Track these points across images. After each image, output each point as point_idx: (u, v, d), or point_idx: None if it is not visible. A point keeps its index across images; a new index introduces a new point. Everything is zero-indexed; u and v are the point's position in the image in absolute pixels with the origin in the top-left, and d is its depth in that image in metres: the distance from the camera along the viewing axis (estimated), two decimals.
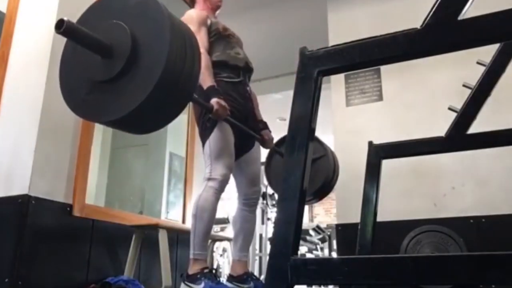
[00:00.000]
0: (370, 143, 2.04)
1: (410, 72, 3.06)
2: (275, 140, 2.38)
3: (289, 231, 0.85)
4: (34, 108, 2.14)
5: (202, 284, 1.82)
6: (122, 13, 1.21)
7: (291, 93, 0.97)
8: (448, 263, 0.71)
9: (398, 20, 2.80)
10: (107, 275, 2.30)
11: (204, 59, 1.98)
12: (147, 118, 1.26)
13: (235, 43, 2.26)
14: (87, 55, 1.20)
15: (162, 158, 4.00)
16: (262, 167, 2.62)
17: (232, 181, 2.13)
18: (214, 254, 4.81)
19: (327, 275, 0.81)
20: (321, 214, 11.16)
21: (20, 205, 1.99)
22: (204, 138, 2.05)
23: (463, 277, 0.69)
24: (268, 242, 5.56)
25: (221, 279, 2.13)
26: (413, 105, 3.04)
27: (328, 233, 7.15)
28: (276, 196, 5.04)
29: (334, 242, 6.24)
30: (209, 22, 2.19)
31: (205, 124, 2.04)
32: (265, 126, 2.33)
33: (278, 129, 2.53)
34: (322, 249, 7.17)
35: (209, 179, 1.97)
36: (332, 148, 3.14)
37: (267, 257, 1.38)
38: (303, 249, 6.62)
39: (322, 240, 7.07)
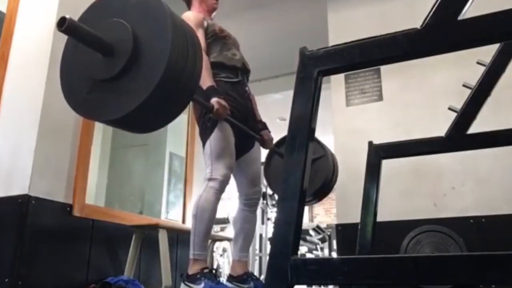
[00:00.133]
0: (370, 143, 2.04)
1: (410, 72, 3.06)
2: (274, 141, 2.38)
3: (289, 231, 0.85)
4: (34, 108, 2.14)
5: (202, 284, 1.82)
6: (123, 12, 1.20)
7: (291, 93, 0.97)
8: (448, 263, 0.71)
9: (398, 20, 2.80)
10: (107, 275, 2.30)
11: (203, 60, 1.98)
12: (148, 117, 1.25)
13: (232, 44, 2.26)
14: (88, 53, 1.20)
15: (162, 158, 4.00)
16: (262, 167, 2.62)
17: (232, 181, 2.13)
18: (214, 254, 4.81)
19: (327, 275, 0.81)
20: (321, 214, 11.16)
21: (20, 205, 1.99)
22: (204, 138, 2.05)
23: (463, 277, 0.69)
24: (268, 242, 5.56)
25: (221, 279, 2.13)
26: (413, 105, 3.04)
27: (328, 233, 7.15)
28: (276, 196, 5.04)
29: (334, 242, 6.24)
30: (205, 24, 2.20)
31: (206, 124, 2.04)
32: (264, 126, 2.33)
33: (278, 129, 2.53)
34: (322, 249, 7.16)
35: (209, 179, 1.97)
36: (332, 148, 3.14)
37: (267, 257, 1.38)
38: (303, 249, 6.62)
39: (322, 240, 7.07)
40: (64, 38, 1.27)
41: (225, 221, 6.55)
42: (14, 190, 2.05)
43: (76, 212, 2.22)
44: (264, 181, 2.95)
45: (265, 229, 5.67)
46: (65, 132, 2.26)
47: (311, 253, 6.83)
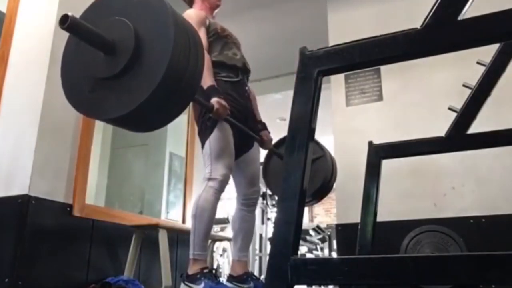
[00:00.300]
0: (370, 143, 2.04)
1: (410, 72, 3.06)
2: (274, 141, 2.38)
3: (289, 231, 0.85)
4: (34, 108, 2.14)
5: (202, 284, 1.81)
6: (125, 10, 1.20)
7: (291, 93, 0.97)
8: (448, 263, 0.71)
9: (398, 20, 2.81)
10: (107, 275, 2.30)
11: (206, 58, 1.98)
12: (149, 116, 1.25)
13: (233, 44, 2.26)
14: (89, 51, 1.19)
15: (162, 158, 4.00)
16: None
17: (231, 181, 2.13)
18: (214, 254, 4.81)
19: (327, 275, 0.81)
20: (321, 214, 11.16)
21: (20, 205, 1.99)
22: (204, 138, 2.05)
23: (463, 277, 0.69)
24: (268, 242, 5.56)
25: (221, 279, 2.13)
26: (413, 105, 3.04)
27: (328, 233, 7.15)
28: (275, 196, 5.04)
29: (334, 242, 6.24)
30: (207, 22, 2.19)
31: (205, 123, 2.04)
32: (264, 127, 2.33)
33: (278, 129, 2.54)
34: (322, 249, 7.16)
35: (209, 179, 1.97)
36: (332, 148, 3.15)
37: (267, 257, 1.38)
38: (303, 249, 6.62)
39: (322, 240, 7.07)
40: (64, 38, 1.26)
41: (225, 221, 6.54)
42: (14, 190, 2.05)
43: (76, 212, 2.22)
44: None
45: (265, 229, 5.67)
46: (65, 132, 2.26)
47: (311, 253, 6.83)
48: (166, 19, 1.15)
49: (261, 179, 2.47)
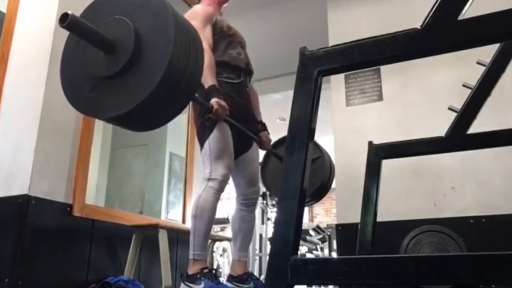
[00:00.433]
0: (370, 143, 2.04)
1: (410, 72, 3.06)
2: (272, 141, 2.39)
3: (289, 231, 0.85)
4: (34, 108, 2.14)
5: (202, 284, 1.81)
6: (125, 9, 1.20)
7: (291, 93, 0.97)
8: (448, 263, 0.71)
9: (398, 20, 2.80)
10: (107, 275, 2.30)
11: (208, 57, 1.96)
12: (148, 116, 1.25)
13: (238, 43, 2.24)
14: (89, 50, 1.19)
15: (162, 158, 4.00)
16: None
17: (230, 181, 2.13)
18: (214, 254, 4.81)
19: (327, 275, 0.81)
20: (321, 214, 11.16)
21: (20, 205, 1.98)
22: (203, 138, 2.04)
23: (463, 277, 0.69)
24: (268, 242, 5.56)
25: (221, 279, 2.13)
26: (413, 105, 3.04)
27: (328, 233, 7.15)
28: (273, 196, 5.04)
29: (334, 242, 6.24)
30: (214, 19, 2.16)
31: (205, 123, 2.03)
32: (264, 127, 2.32)
33: (278, 129, 2.54)
34: (322, 249, 7.17)
35: (209, 179, 1.97)
36: (332, 148, 3.15)
37: (267, 257, 1.38)
38: (303, 249, 6.62)
39: (322, 240, 7.07)
40: (64, 37, 1.26)
41: (225, 221, 6.54)
42: (14, 190, 2.05)
43: (76, 212, 2.22)
44: None
45: (265, 229, 5.67)
46: (65, 132, 2.26)
47: (311, 253, 6.83)
48: (166, 19, 1.15)
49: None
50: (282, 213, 0.89)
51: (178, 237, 2.96)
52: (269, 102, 5.39)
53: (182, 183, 3.56)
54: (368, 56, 0.91)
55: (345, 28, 3.40)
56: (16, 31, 2.38)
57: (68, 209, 2.19)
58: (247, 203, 2.19)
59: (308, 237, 6.59)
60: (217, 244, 5.05)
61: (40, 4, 2.37)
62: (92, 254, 2.29)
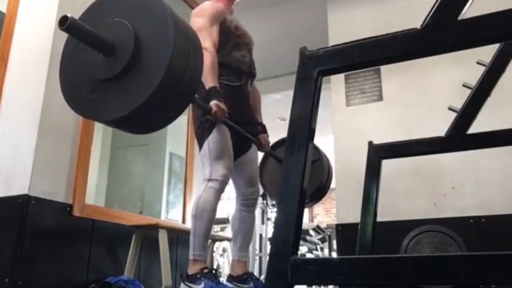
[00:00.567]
0: (370, 143, 2.04)
1: (410, 72, 3.06)
2: (271, 143, 2.39)
3: (289, 231, 0.85)
4: (34, 108, 2.14)
5: (202, 284, 1.81)
6: (124, 12, 1.20)
7: (291, 93, 0.97)
8: (448, 263, 0.71)
9: (398, 20, 2.80)
10: (107, 275, 2.30)
11: (211, 57, 1.94)
12: (148, 118, 1.25)
13: (244, 44, 2.20)
14: (88, 53, 1.19)
15: (162, 158, 4.00)
16: None
17: (230, 181, 2.13)
18: (214, 254, 4.81)
19: (327, 275, 0.81)
20: (321, 214, 11.16)
21: (20, 205, 1.98)
22: (202, 138, 2.03)
23: (463, 277, 0.69)
24: (268, 242, 5.56)
25: (221, 279, 2.13)
26: (413, 105, 3.04)
27: (328, 233, 7.15)
28: (271, 197, 5.04)
29: (334, 242, 6.24)
30: (223, 17, 2.12)
31: (204, 124, 2.02)
32: (263, 130, 2.31)
33: (278, 129, 2.54)
34: (322, 249, 7.17)
35: (209, 179, 1.96)
36: (332, 148, 3.15)
37: (267, 257, 1.38)
38: (303, 249, 6.62)
39: (322, 240, 7.07)
40: (64, 38, 1.26)
41: (225, 221, 6.54)
42: (14, 190, 2.05)
43: (76, 212, 2.22)
44: None
45: (265, 229, 5.67)
46: (65, 132, 2.26)
47: (311, 253, 6.83)
48: (166, 22, 1.14)
49: None
50: (282, 213, 0.89)
51: (178, 237, 2.96)
52: (269, 102, 5.39)
53: (182, 183, 3.56)
54: (368, 56, 0.91)
55: (345, 28, 3.40)
56: (16, 31, 2.38)
57: (68, 209, 2.19)
58: (247, 204, 2.19)
59: (308, 237, 6.59)
60: (217, 244, 5.06)
61: (40, 4, 2.37)
62: (92, 254, 2.29)
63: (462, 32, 0.83)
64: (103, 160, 4.09)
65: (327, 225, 8.21)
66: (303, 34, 4.17)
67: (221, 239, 3.74)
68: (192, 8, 2.38)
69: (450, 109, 1.91)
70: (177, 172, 3.90)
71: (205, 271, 1.88)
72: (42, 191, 2.06)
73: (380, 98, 3.17)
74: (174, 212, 3.74)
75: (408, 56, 0.91)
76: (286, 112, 1.16)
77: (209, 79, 1.93)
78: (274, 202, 5.73)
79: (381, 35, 0.89)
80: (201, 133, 2.04)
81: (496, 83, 1.78)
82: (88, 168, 2.37)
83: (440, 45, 0.86)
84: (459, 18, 0.83)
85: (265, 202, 5.63)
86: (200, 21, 2.06)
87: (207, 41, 1.98)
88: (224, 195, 2.05)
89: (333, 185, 2.79)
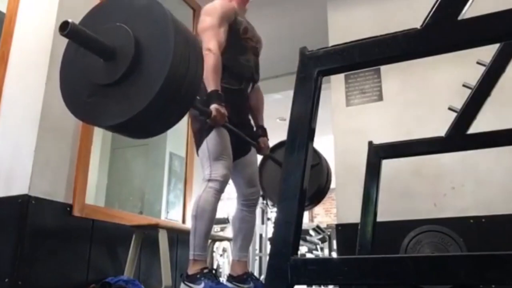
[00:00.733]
0: (370, 143, 2.04)
1: (410, 72, 3.06)
2: (271, 145, 2.39)
3: (289, 231, 0.85)
4: (34, 109, 2.14)
5: (202, 284, 1.81)
6: (125, 17, 1.19)
7: (291, 93, 0.97)
8: (448, 263, 0.71)
9: (398, 20, 2.80)
10: (107, 275, 2.30)
11: (214, 59, 1.93)
12: (148, 124, 1.24)
13: (251, 48, 2.17)
14: (89, 57, 1.19)
15: (162, 158, 3.99)
16: None
17: (230, 181, 2.13)
18: (214, 254, 4.81)
19: (327, 275, 0.81)
20: (321, 214, 11.16)
21: (20, 205, 1.99)
22: (201, 139, 2.02)
23: (463, 277, 0.69)
24: (268, 242, 5.56)
25: (221, 279, 2.13)
26: (413, 105, 3.04)
27: (328, 233, 7.15)
28: (270, 200, 5.04)
29: (334, 242, 6.24)
30: (233, 17, 2.08)
31: (203, 125, 2.02)
32: (263, 133, 2.30)
33: (278, 129, 2.54)
34: (322, 249, 7.17)
35: (209, 180, 1.96)
36: (332, 148, 3.15)
37: (267, 257, 1.38)
38: (303, 249, 6.62)
39: (322, 240, 7.07)
40: (64, 38, 1.26)
41: (225, 221, 6.54)
42: (14, 190, 2.05)
43: (76, 212, 2.22)
44: None
45: (265, 229, 5.67)
46: (65, 132, 2.26)
47: (311, 253, 6.83)
48: (167, 27, 1.14)
49: None
50: (282, 213, 0.89)
51: (178, 237, 2.96)
52: (269, 102, 5.34)
53: (182, 183, 3.56)
54: (368, 56, 0.91)
55: (345, 28, 3.40)
56: (16, 31, 2.38)
57: (68, 209, 2.19)
58: (247, 204, 2.19)
59: (308, 237, 6.59)
60: (217, 244, 5.06)
61: (40, 5, 2.37)
62: (92, 254, 2.29)
63: (462, 32, 0.83)
64: (103, 160, 4.09)
65: (327, 225, 8.22)
66: (303, 34, 4.17)
67: (221, 239, 3.74)
68: (193, 9, 2.36)
69: (450, 109, 1.91)
70: (177, 172, 3.90)
71: (205, 271, 1.88)
72: (42, 191, 2.06)
73: (380, 98, 3.17)
74: (174, 212, 3.74)
75: (408, 56, 0.91)
76: (286, 112, 1.16)
77: (211, 82, 1.91)
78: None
79: (381, 35, 0.89)
80: (199, 134, 2.04)
81: (496, 83, 1.79)
82: (88, 168, 2.37)
83: (440, 45, 0.86)
84: (459, 18, 0.83)
85: (265, 202, 5.63)
86: (208, 20, 2.04)
87: (213, 42, 1.97)
88: (224, 195, 2.05)
89: (333, 185, 2.79)
